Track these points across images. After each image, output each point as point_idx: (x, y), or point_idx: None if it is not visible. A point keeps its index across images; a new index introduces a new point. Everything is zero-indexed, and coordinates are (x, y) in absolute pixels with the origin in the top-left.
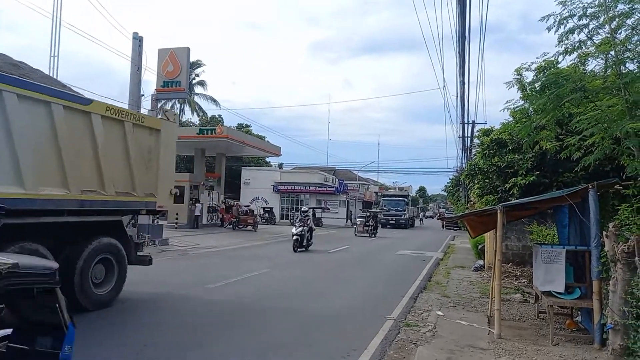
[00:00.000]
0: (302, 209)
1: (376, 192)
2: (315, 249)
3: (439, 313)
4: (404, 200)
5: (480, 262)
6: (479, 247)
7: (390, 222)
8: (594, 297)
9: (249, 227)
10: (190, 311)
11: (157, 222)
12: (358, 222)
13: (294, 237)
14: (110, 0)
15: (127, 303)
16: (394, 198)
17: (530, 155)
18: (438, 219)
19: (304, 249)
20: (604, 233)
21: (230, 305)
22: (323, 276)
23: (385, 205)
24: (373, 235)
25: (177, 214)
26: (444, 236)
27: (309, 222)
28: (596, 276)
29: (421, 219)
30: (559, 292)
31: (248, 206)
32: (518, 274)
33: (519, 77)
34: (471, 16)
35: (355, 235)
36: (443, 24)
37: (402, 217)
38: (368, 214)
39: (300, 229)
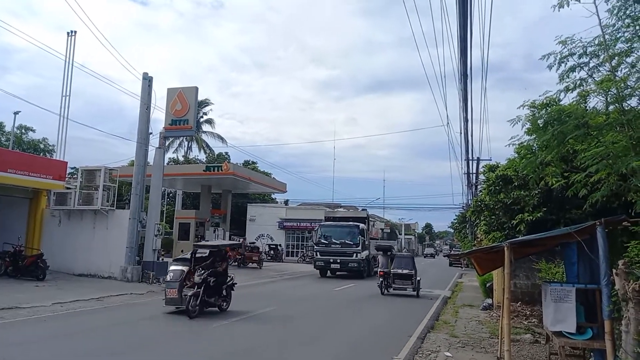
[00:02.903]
0: None
1: (382, 229)
2: (325, 286)
3: (448, 354)
4: (357, 227)
5: (489, 300)
6: (487, 285)
7: (333, 265)
8: (606, 338)
9: (254, 264)
10: (190, 352)
11: (162, 259)
12: (169, 277)
13: None
14: (119, 39)
15: (126, 341)
16: (339, 225)
17: (537, 192)
18: (445, 256)
19: None
20: (614, 271)
21: (233, 345)
22: (327, 315)
23: (324, 237)
24: (222, 307)
25: (182, 251)
26: (451, 274)
27: None
28: (607, 316)
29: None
30: (571, 333)
31: (253, 243)
32: (528, 313)
33: (533, 109)
34: (472, 55)
35: (164, 305)
36: (445, 62)
37: (354, 258)
38: (198, 255)
39: None
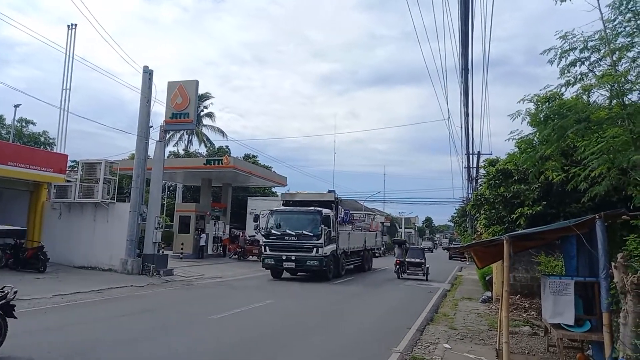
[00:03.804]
0: None
1: (382, 222)
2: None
3: (446, 346)
4: (319, 214)
5: (488, 293)
6: (487, 278)
7: (286, 263)
8: (604, 330)
9: (255, 257)
10: (188, 344)
11: (163, 252)
12: None
13: None
14: (120, 33)
15: (126, 332)
16: (296, 211)
17: (537, 186)
18: (445, 249)
19: None
20: (613, 264)
21: (231, 338)
22: (327, 308)
23: (277, 226)
24: None
25: (182, 244)
26: (451, 267)
27: None
28: (606, 308)
29: (379, 253)
30: (569, 325)
31: (253, 236)
32: (527, 306)
33: (537, 103)
34: (474, 49)
35: None
36: (447, 56)
37: (314, 254)
38: None
39: None
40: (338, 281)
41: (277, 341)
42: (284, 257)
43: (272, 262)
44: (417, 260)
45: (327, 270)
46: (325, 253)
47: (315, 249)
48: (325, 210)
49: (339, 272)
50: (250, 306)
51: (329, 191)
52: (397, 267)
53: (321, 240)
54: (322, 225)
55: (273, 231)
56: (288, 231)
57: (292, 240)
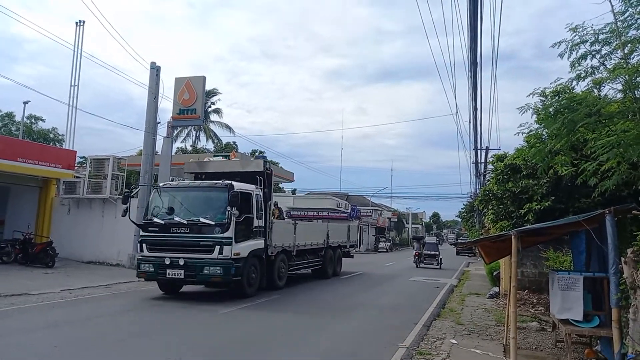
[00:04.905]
0: None
1: (389, 218)
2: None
3: (453, 341)
4: (226, 192)
5: (496, 289)
6: (494, 273)
7: (172, 270)
8: (613, 326)
9: None
10: (196, 338)
11: None
12: None
13: None
14: (128, 29)
15: (133, 326)
16: (192, 188)
17: (545, 181)
18: (451, 244)
19: None
20: (622, 259)
21: (239, 333)
22: (334, 301)
23: (169, 210)
24: None
25: None
26: (458, 263)
27: None
28: (615, 304)
29: (386, 249)
30: (577, 320)
31: None
32: (534, 301)
33: (543, 98)
34: (483, 43)
35: None
36: (455, 50)
37: (214, 257)
38: None
39: None
40: (345, 276)
41: (285, 335)
42: (167, 262)
43: (151, 270)
44: (432, 252)
45: (241, 282)
46: (237, 253)
47: (218, 248)
48: (241, 186)
49: (273, 283)
50: (257, 301)
51: (257, 157)
52: (416, 258)
53: (229, 233)
54: (232, 209)
55: (155, 220)
56: (177, 219)
57: (182, 234)
